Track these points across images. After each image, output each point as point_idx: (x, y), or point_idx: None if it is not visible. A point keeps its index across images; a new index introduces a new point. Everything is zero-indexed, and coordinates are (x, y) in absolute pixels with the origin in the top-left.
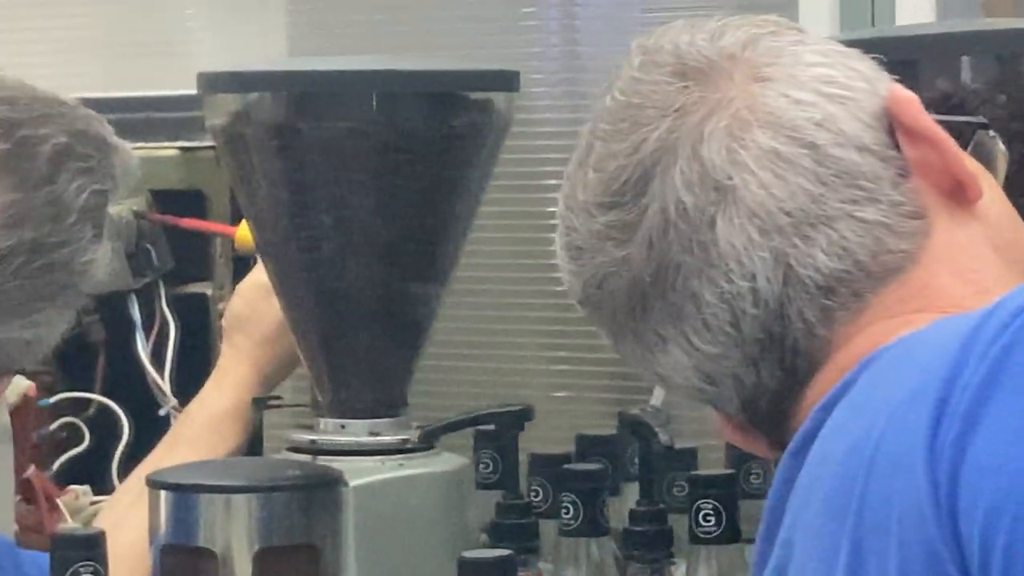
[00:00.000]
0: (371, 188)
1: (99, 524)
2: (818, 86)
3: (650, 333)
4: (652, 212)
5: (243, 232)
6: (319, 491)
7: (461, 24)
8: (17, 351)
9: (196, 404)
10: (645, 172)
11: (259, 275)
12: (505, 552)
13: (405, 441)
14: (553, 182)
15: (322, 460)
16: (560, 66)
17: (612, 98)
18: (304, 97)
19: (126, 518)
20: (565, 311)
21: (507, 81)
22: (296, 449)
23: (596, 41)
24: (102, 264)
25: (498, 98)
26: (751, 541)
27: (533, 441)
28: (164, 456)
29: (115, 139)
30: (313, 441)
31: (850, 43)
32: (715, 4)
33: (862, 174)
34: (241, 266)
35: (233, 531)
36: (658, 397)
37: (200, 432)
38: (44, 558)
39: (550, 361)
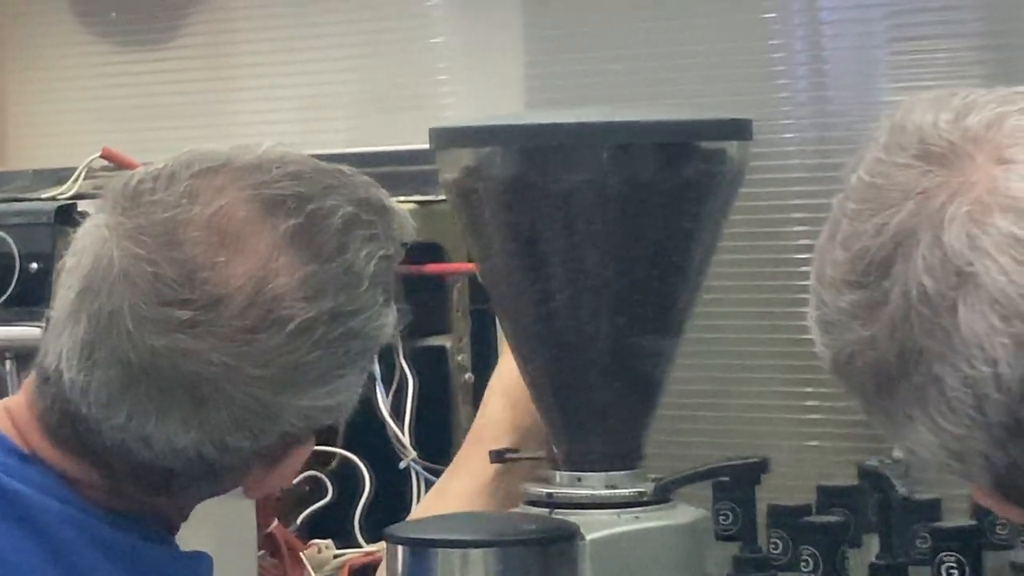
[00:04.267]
0: (603, 239)
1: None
2: None
3: (897, 411)
4: (895, 295)
5: None
6: (556, 545)
7: (701, 72)
8: (320, 416)
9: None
10: (888, 255)
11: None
12: None
13: (642, 494)
14: (798, 228)
15: (558, 513)
16: (807, 112)
17: (859, 177)
18: (534, 151)
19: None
20: (802, 360)
21: (740, 130)
22: (533, 502)
23: (842, 85)
24: (391, 327)
25: (731, 147)
26: None
27: (772, 491)
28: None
29: (390, 202)
30: (549, 494)
31: None
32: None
33: None
34: (478, 319)
35: None
36: (900, 448)
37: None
38: None
39: (789, 411)
